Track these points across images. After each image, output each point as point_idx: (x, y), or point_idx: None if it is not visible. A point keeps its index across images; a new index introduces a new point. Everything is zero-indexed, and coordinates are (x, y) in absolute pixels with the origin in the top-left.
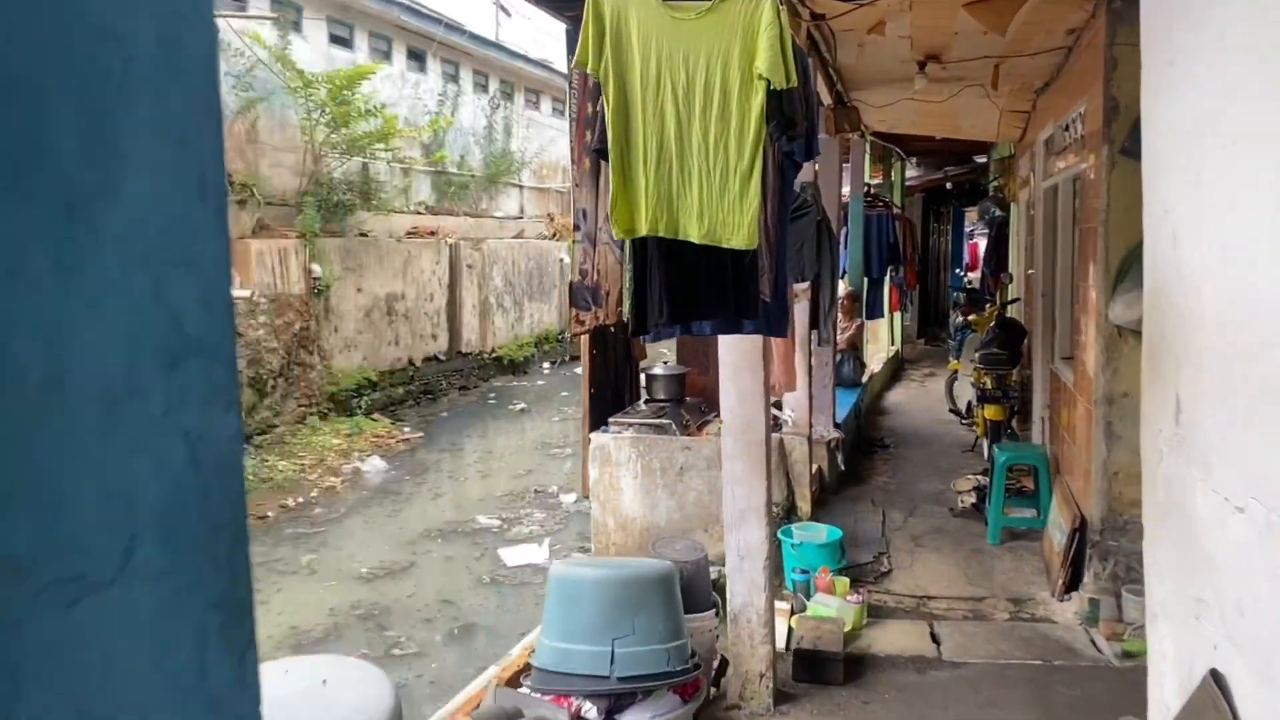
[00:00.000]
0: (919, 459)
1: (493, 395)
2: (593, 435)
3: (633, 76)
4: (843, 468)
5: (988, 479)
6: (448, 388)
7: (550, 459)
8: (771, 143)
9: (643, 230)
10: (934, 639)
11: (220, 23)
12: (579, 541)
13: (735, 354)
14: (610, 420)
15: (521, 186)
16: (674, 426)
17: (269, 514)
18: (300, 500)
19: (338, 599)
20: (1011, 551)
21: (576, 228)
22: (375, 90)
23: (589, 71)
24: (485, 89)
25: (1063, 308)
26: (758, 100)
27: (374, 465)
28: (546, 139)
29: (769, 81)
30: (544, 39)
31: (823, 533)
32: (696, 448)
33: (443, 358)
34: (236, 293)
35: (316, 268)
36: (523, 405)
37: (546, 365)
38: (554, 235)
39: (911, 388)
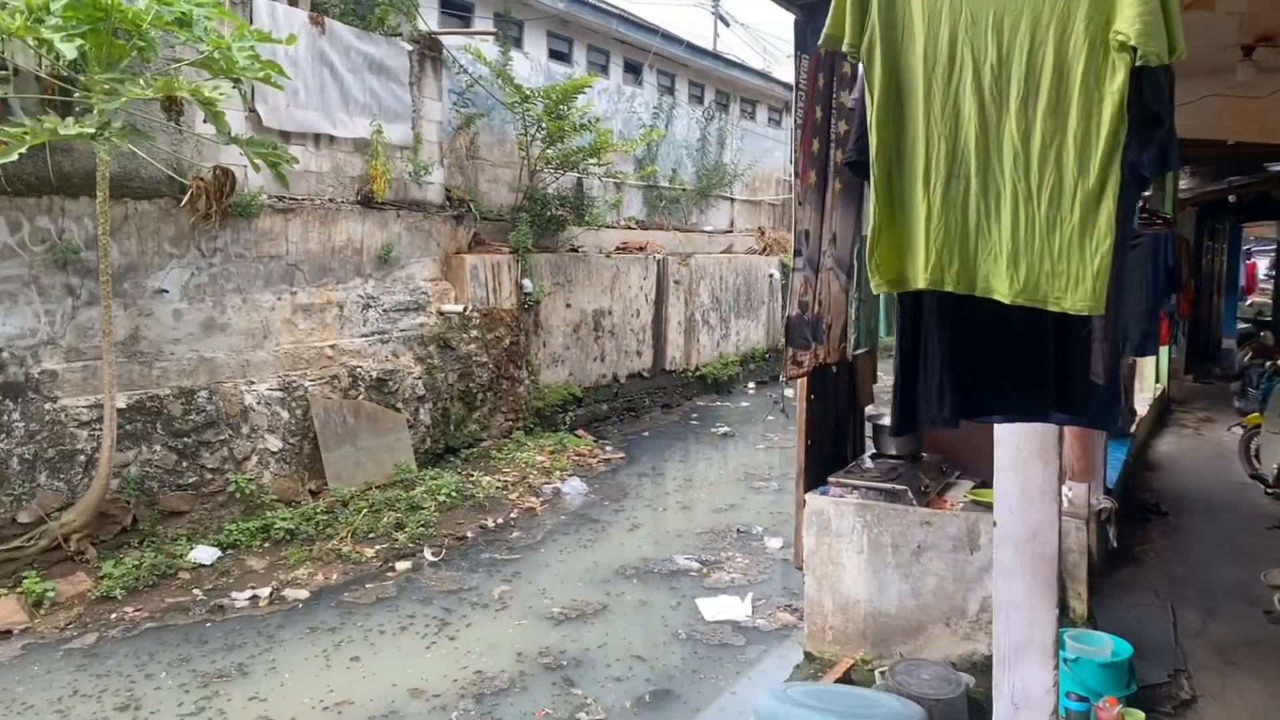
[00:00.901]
0: (1208, 533)
1: (695, 416)
2: (809, 496)
3: (912, 54)
4: (1114, 544)
5: None
6: (650, 405)
7: (754, 492)
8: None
9: (919, 281)
10: None
11: (444, 40)
12: (784, 597)
13: (1018, 434)
14: (830, 479)
15: (732, 199)
16: (910, 493)
17: (467, 534)
18: (499, 521)
19: (526, 642)
20: None
21: (798, 253)
22: (590, 103)
23: (846, 48)
24: (700, 100)
25: None
26: (1117, 84)
27: (574, 487)
28: (761, 150)
29: (1135, 53)
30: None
31: (1107, 646)
32: (939, 524)
33: (646, 375)
34: (451, 307)
35: (527, 283)
36: (726, 428)
37: (751, 385)
38: (764, 250)
39: (1184, 436)
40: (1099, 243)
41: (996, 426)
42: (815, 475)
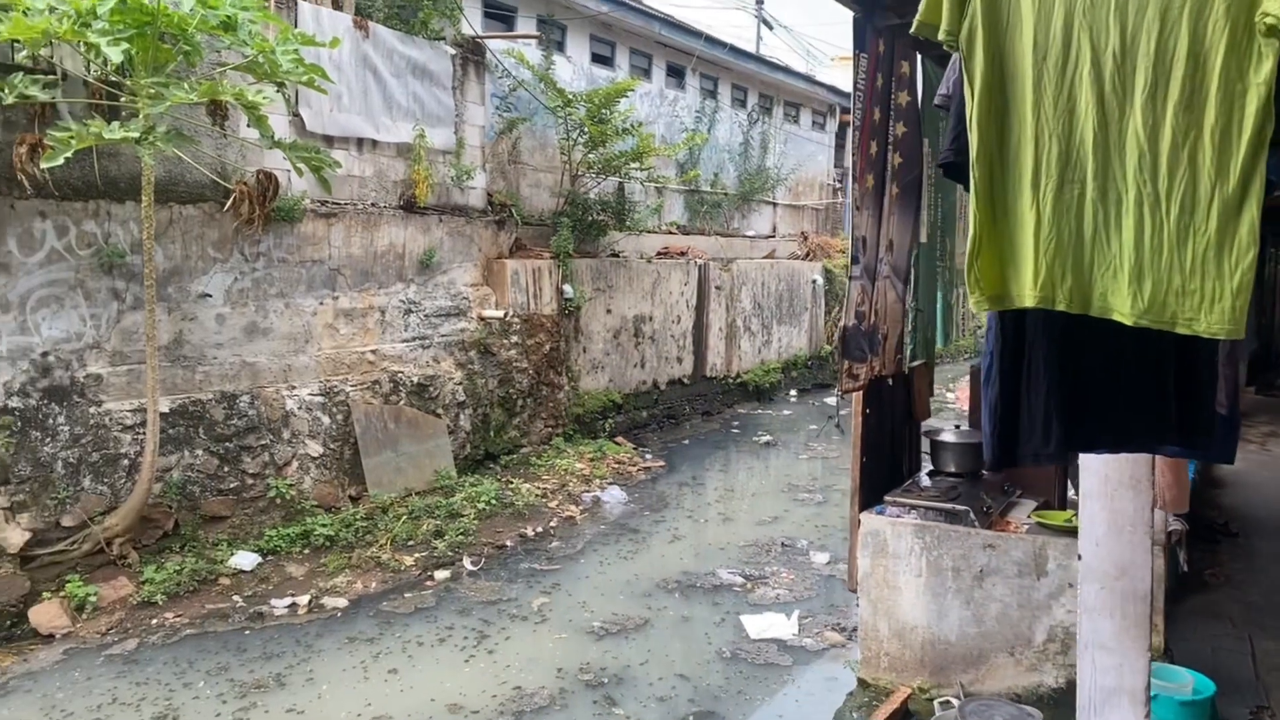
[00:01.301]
0: None
1: (736, 423)
2: (864, 516)
3: (1019, 42)
4: (1185, 568)
5: None
6: (690, 413)
7: (798, 504)
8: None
9: (1026, 299)
10: None
11: (487, 43)
12: (831, 615)
13: (1106, 460)
14: (887, 498)
15: (775, 204)
16: (971, 514)
17: (506, 543)
18: (538, 530)
19: (567, 657)
20: None
21: (854, 260)
22: (632, 107)
23: (943, 36)
24: (743, 103)
25: None
26: (1263, 73)
27: (613, 496)
28: (804, 154)
29: None
30: (810, 45)
31: (1188, 683)
32: (1003, 547)
33: (687, 381)
34: (491, 313)
35: (568, 288)
36: (768, 437)
37: (793, 393)
38: (807, 255)
39: (1248, 452)
40: (1240, 256)
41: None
42: (870, 493)
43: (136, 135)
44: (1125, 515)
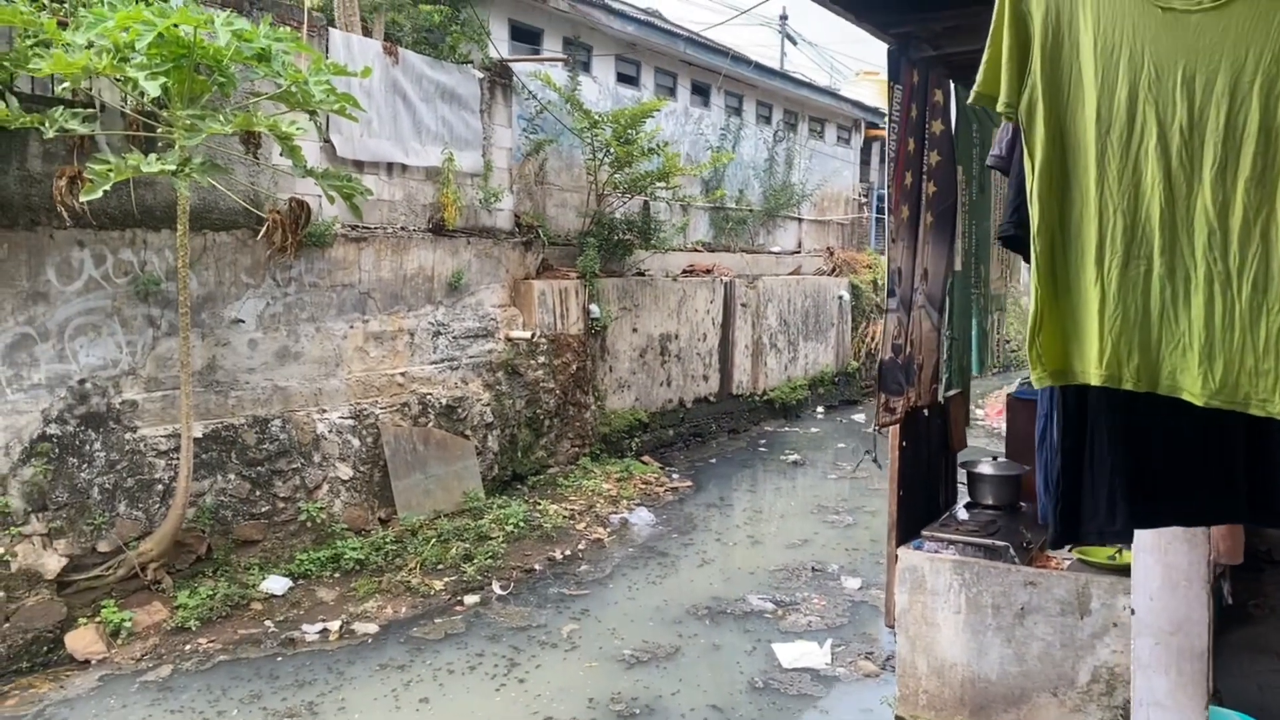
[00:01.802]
0: None
1: (763, 442)
2: (901, 551)
3: (1082, 115)
4: (1229, 600)
5: None
6: (717, 431)
7: (827, 526)
8: None
9: (1092, 376)
10: None
11: (514, 66)
12: (865, 644)
13: None
14: (924, 533)
15: (800, 220)
16: (1011, 550)
17: (535, 567)
18: (567, 553)
19: (598, 686)
20: None
21: (891, 293)
22: (658, 127)
23: (1002, 109)
24: (768, 120)
25: None
26: None
27: (641, 518)
28: (829, 169)
29: None
30: (834, 60)
31: None
32: (1045, 585)
33: (713, 399)
34: (519, 333)
35: (595, 308)
36: (795, 456)
37: (820, 410)
38: (833, 271)
39: None
40: None
41: None
42: (907, 527)
43: (173, 167)
44: (1180, 570)
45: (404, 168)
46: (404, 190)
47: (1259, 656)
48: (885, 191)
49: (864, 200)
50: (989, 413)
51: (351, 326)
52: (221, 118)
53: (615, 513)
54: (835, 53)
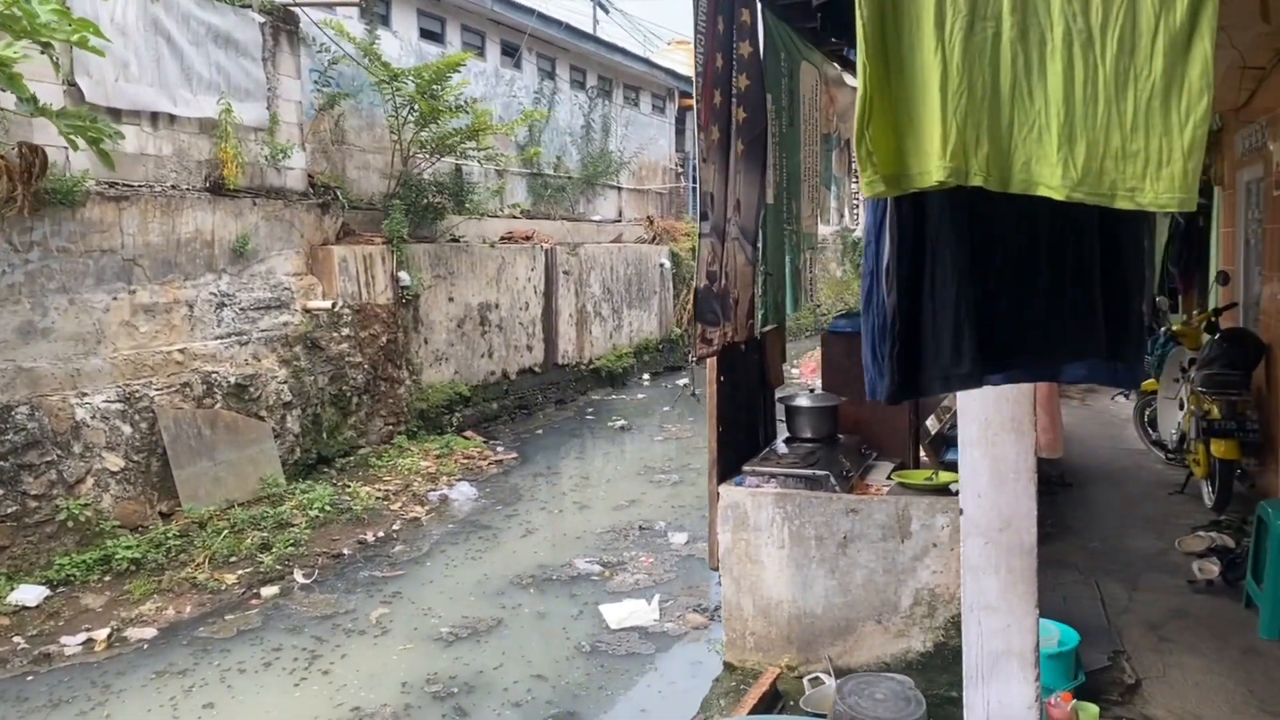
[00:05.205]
0: (1113, 503)
1: (590, 410)
2: (722, 488)
3: None
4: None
5: (1228, 537)
6: (543, 402)
7: (654, 486)
8: None
9: (934, 172)
10: None
11: (301, 14)
12: (693, 596)
13: (985, 403)
14: (745, 468)
15: (620, 188)
16: (832, 478)
17: (344, 551)
18: (380, 535)
19: (412, 669)
20: None
21: (704, 217)
22: (465, 82)
23: None
24: (583, 85)
25: None
26: None
27: (463, 492)
28: (646, 138)
29: None
30: (647, 32)
31: (1053, 636)
32: (866, 510)
33: (538, 370)
34: (318, 304)
35: (405, 275)
36: (622, 422)
37: (646, 377)
38: (654, 239)
39: (1070, 406)
40: (1191, 104)
41: (959, 395)
42: (728, 464)
43: None
44: (1008, 462)
45: (172, 118)
46: (174, 144)
47: (1061, 569)
48: (694, 107)
49: (680, 170)
50: (803, 371)
51: (115, 298)
52: None
53: (434, 489)
54: (648, 22)
